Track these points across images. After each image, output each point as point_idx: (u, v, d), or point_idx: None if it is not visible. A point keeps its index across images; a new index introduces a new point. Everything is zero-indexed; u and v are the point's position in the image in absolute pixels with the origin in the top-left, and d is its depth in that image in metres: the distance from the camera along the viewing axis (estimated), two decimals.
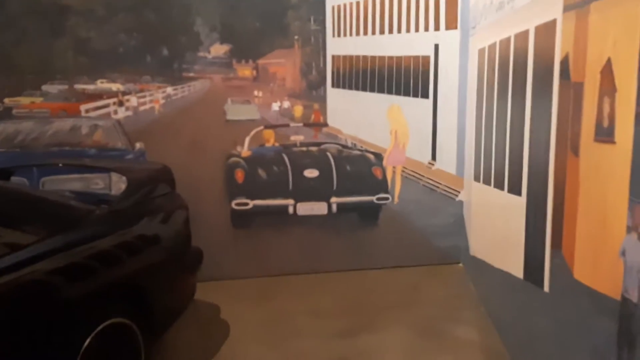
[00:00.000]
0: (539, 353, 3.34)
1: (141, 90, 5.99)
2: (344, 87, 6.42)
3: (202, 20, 5.80)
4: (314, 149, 6.06)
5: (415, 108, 6.01)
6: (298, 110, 6.22)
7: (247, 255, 5.60)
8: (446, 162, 5.92)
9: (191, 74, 6.02)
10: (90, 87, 5.80)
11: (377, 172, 5.84)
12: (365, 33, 6.30)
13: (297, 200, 5.66)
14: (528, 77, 3.54)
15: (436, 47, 5.92)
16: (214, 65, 6.00)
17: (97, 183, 4.93)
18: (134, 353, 3.17)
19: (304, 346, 4.07)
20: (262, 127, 5.91)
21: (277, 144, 5.95)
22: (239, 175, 5.64)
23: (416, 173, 6.05)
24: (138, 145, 5.54)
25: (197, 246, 4.13)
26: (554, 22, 3.07)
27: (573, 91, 2.84)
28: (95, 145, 5.60)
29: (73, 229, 3.07)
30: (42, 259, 2.75)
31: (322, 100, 6.23)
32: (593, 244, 2.55)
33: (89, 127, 5.71)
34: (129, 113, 5.95)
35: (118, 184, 4.66)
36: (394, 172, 5.97)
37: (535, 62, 3.46)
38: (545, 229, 3.20)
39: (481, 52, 4.77)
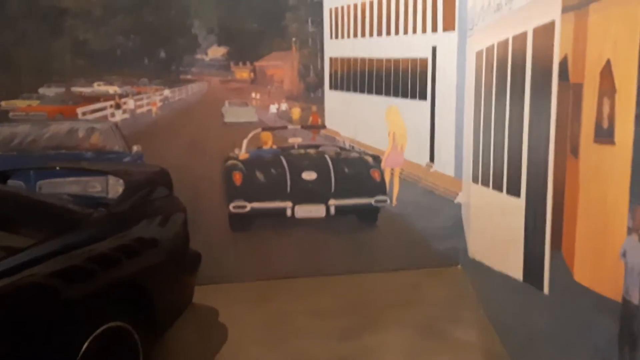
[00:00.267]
0: (539, 355, 3.33)
1: (138, 93, 5.98)
2: (341, 89, 6.42)
3: (200, 22, 5.78)
4: (311, 151, 6.05)
5: (413, 110, 6.01)
6: (296, 113, 6.22)
7: (245, 258, 5.58)
8: (444, 164, 5.92)
9: (189, 77, 6.02)
10: (87, 89, 5.79)
11: (376, 174, 5.83)
12: (363, 35, 6.30)
13: (295, 203, 5.65)
14: (526, 78, 3.54)
15: (434, 49, 5.92)
16: (211, 67, 5.99)
17: (94, 186, 4.91)
18: (132, 355, 3.16)
19: (304, 347, 4.07)
20: (259, 130, 5.90)
21: (275, 147, 5.93)
22: (237, 178, 5.63)
23: (414, 175, 6.04)
24: (135, 148, 5.54)
25: (195, 249, 4.13)
26: (552, 23, 3.07)
27: (572, 92, 2.84)
28: (93, 148, 5.59)
29: (71, 232, 3.06)
30: (39, 262, 2.74)
31: (320, 102, 6.23)
32: (593, 245, 2.54)
33: (86, 130, 5.70)
34: (126, 116, 5.94)
35: (115, 186, 4.64)
36: (392, 174, 5.96)
37: (533, 64, 3.46)
38: (545, 230, 3.19)
39: (479, 53, 4.77)
